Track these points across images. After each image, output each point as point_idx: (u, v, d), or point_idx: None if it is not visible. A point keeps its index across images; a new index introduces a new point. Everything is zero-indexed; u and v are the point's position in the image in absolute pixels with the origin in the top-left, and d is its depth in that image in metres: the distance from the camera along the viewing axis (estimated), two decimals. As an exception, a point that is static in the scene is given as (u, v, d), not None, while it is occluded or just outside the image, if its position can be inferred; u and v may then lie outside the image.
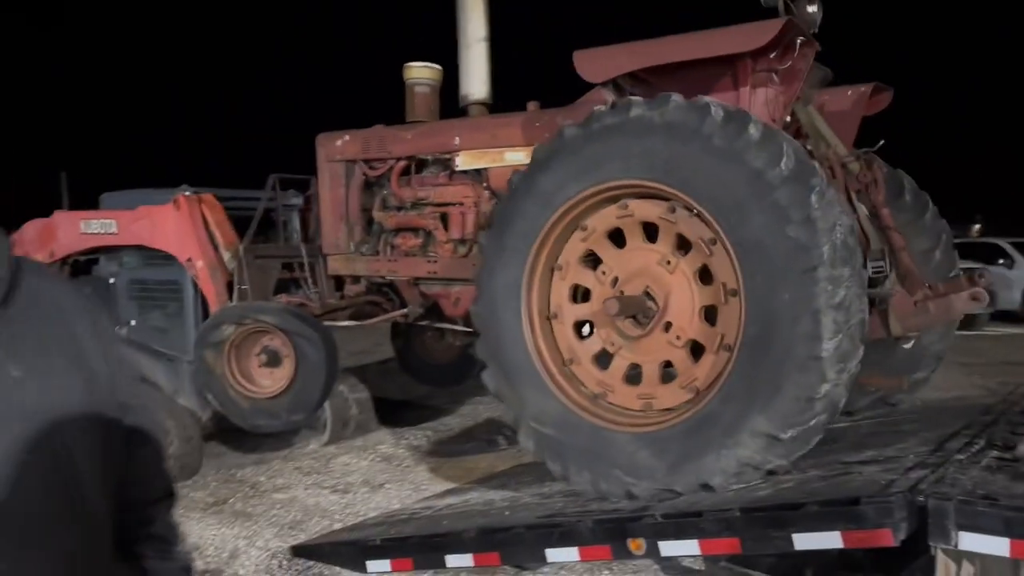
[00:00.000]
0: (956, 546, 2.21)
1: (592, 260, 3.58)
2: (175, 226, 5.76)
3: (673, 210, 3.29)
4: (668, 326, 3.34)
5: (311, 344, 4.80)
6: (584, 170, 3.39)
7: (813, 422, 2.92)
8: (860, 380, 3.75)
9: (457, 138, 4.74)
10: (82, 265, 6.88)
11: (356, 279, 5.45)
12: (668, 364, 3.39)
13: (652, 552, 2.80)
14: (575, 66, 3.66)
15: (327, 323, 5.24)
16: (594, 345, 3.55)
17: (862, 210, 3.74)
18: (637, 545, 2.83)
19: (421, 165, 5.05)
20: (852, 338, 2.90)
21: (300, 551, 3.89)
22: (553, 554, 3.02)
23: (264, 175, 5.82)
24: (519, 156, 4.24)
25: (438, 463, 5.85)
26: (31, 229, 6.87)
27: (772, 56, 3.41)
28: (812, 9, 3.67)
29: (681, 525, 2.71)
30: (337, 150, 5.31)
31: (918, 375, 4.29)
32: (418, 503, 4.47)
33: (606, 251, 3.52)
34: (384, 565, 3.42)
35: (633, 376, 3.47)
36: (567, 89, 3.97)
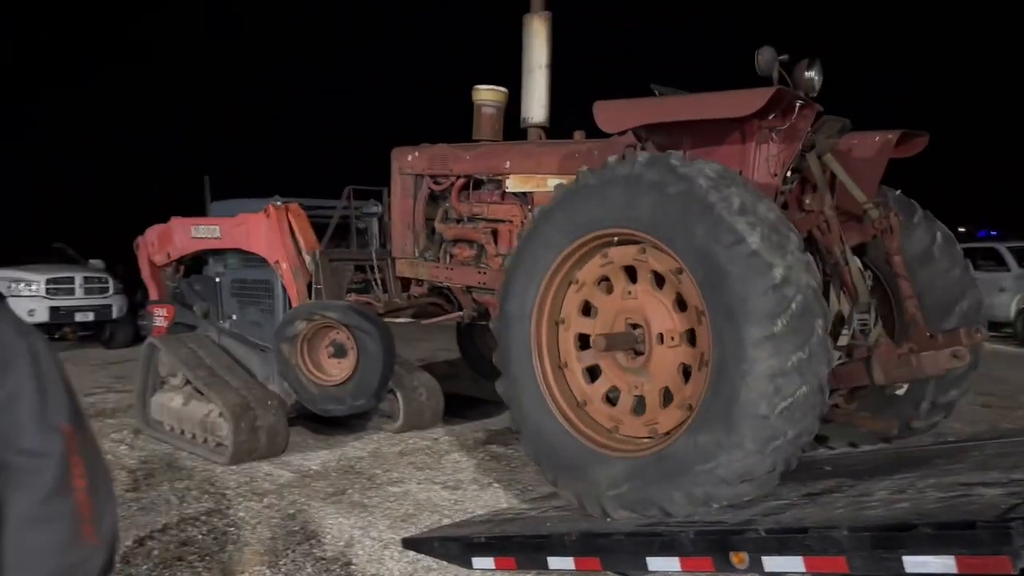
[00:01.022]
0: (1080, 579, 2.09)
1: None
2: (266, 232, 6.37)
3: (606, 255, 3.82)
4: (661, 337, 3.68)
5: (370, 337, 5.29)
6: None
7: (793, 306, 3.10)
8: (851, 420, 4.25)
9: (508, 162, 5.16)
10: (195, 266, 7.66)
11: (420, 282, 5.97)
12: (685, 368, 3.63)
13: (755, 567, 2.76)
14: (594, 116, 4.02)
15: (393, 321, 5.80)
16: (626, 402, 3.82)
17: (856, 263, 3.87)
18: (740, 559, 2.80)
19: (478, 183, 5.47)
20: (774, 230, 3.21)
21: (410, 544, 4.02)
22: (654, 563, 3.02)
23: (365, 183, 6.35)
24: (560, 183, 4.45)
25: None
26: (152, 233, 7.71)
27: (772, 117, 3.66)
28: (810, 75, 3.89)
29: (784, 541, 2.66)
30: (408, 164, 5.86)
31: (927, 419, 4.46)
32: (524, 503, 4.55)
33: (583, 325, 3.97)
34: (488, 562, 3.51)
35: (666, 398, 3.69)
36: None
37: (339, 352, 5.60)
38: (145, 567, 4.04)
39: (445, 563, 3.87)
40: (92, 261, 16.82)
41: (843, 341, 3.85)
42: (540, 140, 5.41)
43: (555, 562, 3.28)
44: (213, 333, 7.16)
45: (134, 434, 7.23)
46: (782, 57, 3.82)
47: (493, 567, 3.49)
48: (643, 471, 3.43)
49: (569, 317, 3.98)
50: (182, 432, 6.61)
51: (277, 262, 6.33)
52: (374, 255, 6.18)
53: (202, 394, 6.42)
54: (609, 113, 3.98)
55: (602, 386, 3.92)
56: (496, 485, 5.40)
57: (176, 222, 7.50)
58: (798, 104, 3.64)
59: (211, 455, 6.22)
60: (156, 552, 4.24)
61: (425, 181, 5.78)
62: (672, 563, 2.95)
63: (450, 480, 5.50)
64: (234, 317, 7.11)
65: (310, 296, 6.10)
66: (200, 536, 4.49)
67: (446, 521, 4.60)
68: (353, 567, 4.00)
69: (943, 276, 4.36)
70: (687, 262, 3.38)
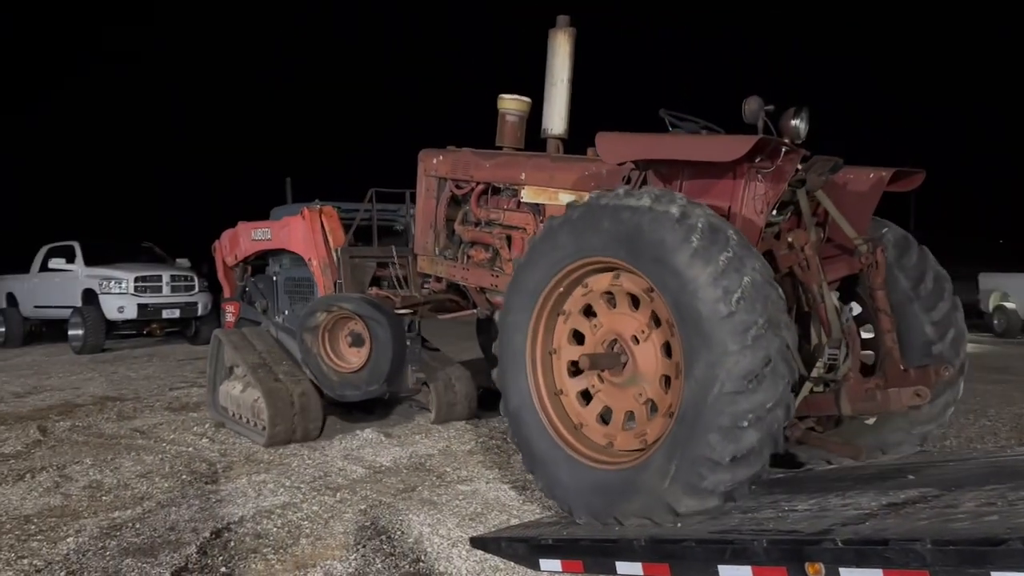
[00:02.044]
0: None
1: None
2: (302, 232, 7.03)
3: (564, 314, 4.23)
4: (635, 339, 3.98)
5: (381, 327, 5.78)
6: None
7: (700, 225, 3.46)
8: (823, 444, 4.46)
9: (523, 174, 5.41)
10: (259, 266, 8.48)
11: (439, 278, 6.30)
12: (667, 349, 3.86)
13: (831, 578, 2.66)
14: (596, 145, 4.35)
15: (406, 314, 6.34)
16: (641, 413, 3.98)
17: (832, 300, 4.07)
18: (816, 570, 2.70)
19: (496, 190, 5.76)
20: (660, 194, 3.68)
21: (478, 543, 4.02)
22: (726, 571, 2.93)
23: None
24: (570, 198, 4.76)
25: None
26: (226, 237, 8.55)
27: (758, 160, 3.88)
28: (795, 123, 4.12)
29: (863, 553, 2.54)
30: (432, 167, 6.20)
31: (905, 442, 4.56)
32: (594, 505, 4.48)
33: (579, 384, 4.24)
34: (556, 565, 3.48)
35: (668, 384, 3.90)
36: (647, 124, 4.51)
37: (357, 341, 6.06)
38: (221, 558, 4.15)
39: (513, 563, 3.86)
40: (179, 260, 17.47)
41: (816, 373, 4.03)
42: (554, 155, 5.59)
43: (623, 567, 3.22)
44: (272, 327, 7.80)
45: (215, 428, 7.47)
46: (768, 107, 4.15)
47: (560, 569, 3.46)
48: (676, 441, 3.47)
49: (565, 387, 4.29)
50: (240, 417, 7.11)
51: (310, 259, 6.95)
52: (394, 252, 6.55)
53: None
54: (610, 144, 4.30)
55: (619, 419, 4.09)
56: (566, 486, 5.36)
57: (241, 226, 8.23)
58: (783, 150, 3.86)
59: (256, 437, 6.72)
60: (232, 544, 4.36)
61: (448, 184, 6.09)
62: (744, 572, 2.86)
63: (519, 480, 5.49)
64: (286, 312, 7.79)
65: (335, 291, 6.65)
66: (275, 529, 4.59)
67: (514, 521, 4.59)
68: (421, 564, 4.02)
69: (929, 311, 4.48)
70: (613, 254, 3.80)
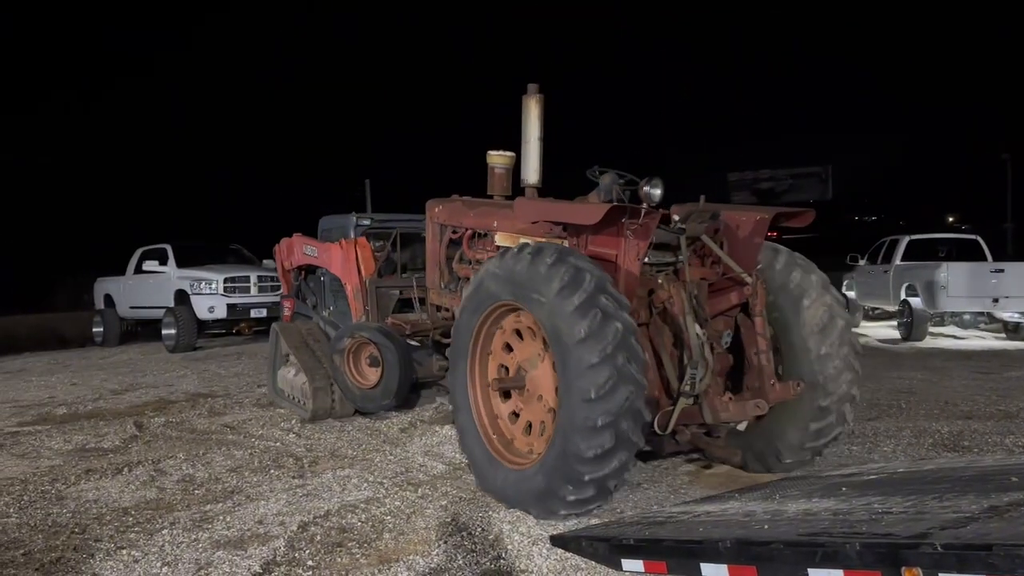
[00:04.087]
0: None
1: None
2: (339, 260, 8.30)
3: (490, 350, 5.24)
4: (532, 362, 4.91)
5: (390, 353, 6.88)
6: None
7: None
8: (710, 448, 5.38)
9: (495, 222, 6.41)
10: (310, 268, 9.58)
11: (446, 308, 7.25)
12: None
13: (930, 585, 2.53)
14: (515, 209, 5.58)
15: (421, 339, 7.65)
16: (547, 417, 4.81)
17: (695, 330, 4.70)
18: (913, 575, 2.58)
19: (481, 235, 6.74)
20: (504, 252, 4.94)
21: (558, 541, 3.99)
22: (816, 575, 2.84)
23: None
24: (528, 241, 5.45)
25: (698, 468, 5.73)
26: (284, 244, 9.75)
27: (623, 220, 4.73)
28: (647, 189, 4.99)
29: (964, 557, 2.41)
30: (435, 215, 7.35)
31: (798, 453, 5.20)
32: (676, 506, 4.41)
33: (500, 402, 5.21)
34: (638, 565, 3.41)
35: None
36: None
37: (374, 363, 7.09)
38: (308, 551, 4.24)
39: (594, 562, 3.82)
40: (266, 261, 17.95)
41: (686, 388, 4.63)
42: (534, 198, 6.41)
43: (708, 569, 3.14)
44: (320, 320, 9.01)
45: (301, 424, 7.66)
46: (620, 181, 5.38)
47: (643, 570, 3.40)
48: (564, 422, 4.29)
49: (500, 412, 5.17)
50: (292, 396, 8.25)
51: (345, 284, 8.27)
52: (415, 283, 7.84)
53: None
54: (521, 209, 5.52)
55: (536, 428, 4.92)
56: (645, 485, 5.30)
57: (297, 238, 9.39)
58: (642, 211, 4.63)
59: (303, 413, 7.87)
60: (318, 538, 4.45)
61: (448, 229, 7.17)
62: (836, 576, 2.76)
63: (600, 478, 5.43)
64: (331, 308, 9.04)
65: (365, 315, 7.98)
66: (359, 523, 4.67)
67: (594, 520, 4.55)
68: (502, 561, 4.03)
69: (801, 299, 5.10)
70: (508, 297, 4.76)
